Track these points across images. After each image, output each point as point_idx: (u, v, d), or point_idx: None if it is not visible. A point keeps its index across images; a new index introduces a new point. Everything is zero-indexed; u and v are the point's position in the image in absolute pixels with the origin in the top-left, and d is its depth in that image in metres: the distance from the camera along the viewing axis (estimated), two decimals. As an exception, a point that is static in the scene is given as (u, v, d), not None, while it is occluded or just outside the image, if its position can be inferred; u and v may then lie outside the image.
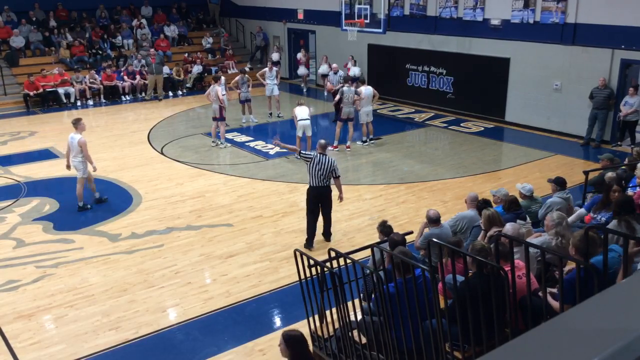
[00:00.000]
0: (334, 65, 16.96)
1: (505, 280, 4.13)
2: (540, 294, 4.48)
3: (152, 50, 20.50)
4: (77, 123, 10.08)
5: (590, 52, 13.65)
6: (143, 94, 20.06)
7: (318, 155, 8.46)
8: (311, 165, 8.39)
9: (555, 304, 4.48)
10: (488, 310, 4.19)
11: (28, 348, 6.31)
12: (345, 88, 13.52)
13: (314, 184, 8.45)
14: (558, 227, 5.79)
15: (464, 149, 13.84)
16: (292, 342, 4.35)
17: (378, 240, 6.62)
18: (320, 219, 8.76)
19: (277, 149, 13.91)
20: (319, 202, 8.55)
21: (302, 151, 8.65)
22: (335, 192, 8.77)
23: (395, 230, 6.84)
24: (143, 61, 20.37)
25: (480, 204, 7.15)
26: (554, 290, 4.97)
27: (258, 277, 7.79)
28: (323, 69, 19.07)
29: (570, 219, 7.10)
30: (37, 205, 10.49)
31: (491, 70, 15.81)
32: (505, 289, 4.16)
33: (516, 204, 7.09)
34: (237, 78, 16.10)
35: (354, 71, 17.89)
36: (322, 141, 8.82)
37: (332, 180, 8.59)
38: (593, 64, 13.58)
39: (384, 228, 6.70)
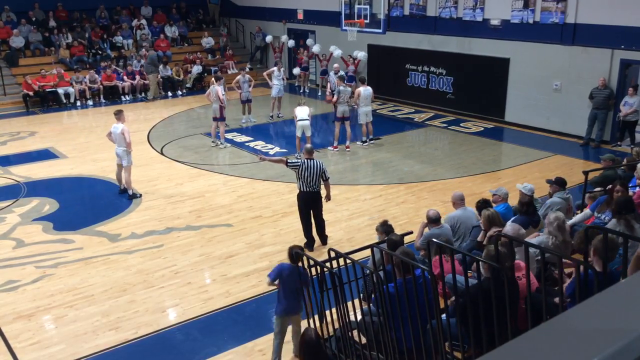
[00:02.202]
0: (335, 65, 16.96)
1: (506, 280, 4.13)
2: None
3: (143, 50, 20.49)
4: (119, 114, 10.68)
5: (590, 52, 13.65)
6: (143, 94, 20.06)
7: (306, 160, 8.44)
8: (300, 171, 8.37)
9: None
10: (495, 314, 4.18)
11: (28, 348, 6.32)
12: (341, 87, 13.55)
13: (304, 189, 8.43)
14: (550, 227, 5.80)
15: (463, 149, 13.84)
16: (303, 346, 4.35)
17: (378, 240, 6.62)
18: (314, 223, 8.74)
19: (277, 148, 13.93)
20: (310, 207, 8.55)
21: (288, 161, 8.62)
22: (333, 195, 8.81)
23: (395, 231, 6.84)
24: (142, 61, 20.40)
25: (480, 204, 7.15)
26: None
27: (258, 277, 7.78)
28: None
29: (575, 219, 7.09)
30: (37, 205, 10.49)
31: (491, 70, 15.81)
32: (505, 288, 4.15)
33: (531, 206, 6.98)
34: (238, 77, 16.05)
35: (359, 55, 18.09)
36: (308, 146, 8.88)
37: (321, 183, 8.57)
38: (593, 64, 13.59)
39: (385, 228, 6.70)
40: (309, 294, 5.49)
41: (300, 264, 5.64)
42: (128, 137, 10.52)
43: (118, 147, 10.67)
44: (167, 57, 21.44)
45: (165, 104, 19.36)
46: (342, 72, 16.68)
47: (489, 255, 4.77)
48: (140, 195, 10.82)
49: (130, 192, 10.76)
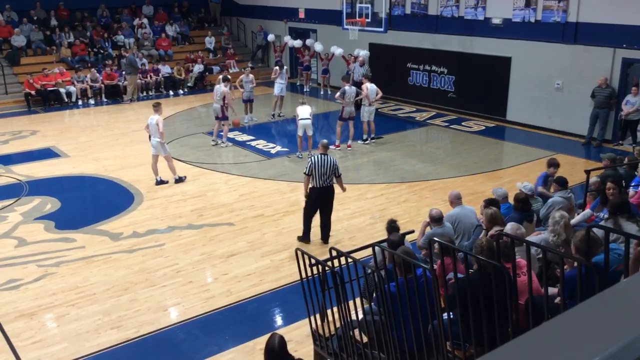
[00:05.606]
0: (360, 59, 17.06)
1: (507, 278, 4.12)
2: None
3: (123, 52, 20.45)
4: (157, 106, 11.36)
5: (592, 51, 13.63)
6: (144, 94, 20.01)
7: (319, 155, 8.47)
8: (313, 167, 8.39)
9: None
10: (490, 309, 4.19)
11: (29, 347, 6.33)
12: (347, 87, 13.52)
13: (317, 185, 8.44)
14: (556, 226, 5.79)
15: (465, 148, 13.83)
16: (265, 352, 4.35)
17: (380, 238, 6.63)
18: (318, 222, 8.73)
19: (279, 147, 13.93)
20: (320, 203, 8.55)
21: (305, 173, 8.55)
22: (337, 193, 8.82)
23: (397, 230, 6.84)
24: (144, 60, 20.38)
25: (487, 203, 7.13)
26: (555, 289, 4.96)
27: (259, 276, 7.79)
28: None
29: (576, 219, 7.08)
30: (39, 204, 10.50)
31: (492, 69, 15.79)
32: (507, 287, 4.15)
33: (526, 203, 7.00)
34: (241, 77, 16.00)
35: (361, 54, 17.93)
36: (325, 141, 8.94)
37: (334, 179, 8.59)
38: (594, 63, 13.56)
39: (390, 227, 6.72)
40: None
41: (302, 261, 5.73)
42: (161, 126, 11.04)
43: (153, 138, 11.21)
44: (169, 56, 21.40)
45: (166, 103, 19.28)
46: (348, 73, 16.66)
47: (478, 249, 4.80)
48: (185, 178, 11.51)
49: (176, 177, 11.38)
